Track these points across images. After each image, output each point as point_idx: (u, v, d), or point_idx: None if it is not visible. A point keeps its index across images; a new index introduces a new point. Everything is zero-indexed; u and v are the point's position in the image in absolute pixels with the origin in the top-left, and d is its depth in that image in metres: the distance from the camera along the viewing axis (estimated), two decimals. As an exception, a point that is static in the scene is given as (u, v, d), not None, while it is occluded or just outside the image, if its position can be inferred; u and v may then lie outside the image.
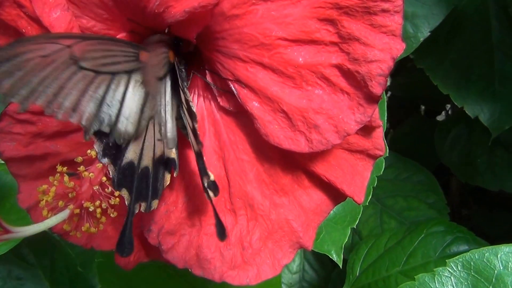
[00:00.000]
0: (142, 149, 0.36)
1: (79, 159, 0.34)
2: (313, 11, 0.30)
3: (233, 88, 0.35)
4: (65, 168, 0.33)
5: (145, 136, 0.36)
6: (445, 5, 0.72)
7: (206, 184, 0.34)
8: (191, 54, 0.40)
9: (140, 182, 0.35)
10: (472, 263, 0.49)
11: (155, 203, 0.36)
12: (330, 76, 0.31)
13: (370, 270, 0.82)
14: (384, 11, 0.29)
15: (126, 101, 0.34)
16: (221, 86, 0.37)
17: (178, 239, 0.40)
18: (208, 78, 0.38)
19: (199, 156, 0.34)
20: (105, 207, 0.34)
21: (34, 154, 0.41)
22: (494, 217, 1.26)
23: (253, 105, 0.34)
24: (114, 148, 0.35)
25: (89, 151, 0.34)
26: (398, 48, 0.29)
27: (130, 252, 0.35)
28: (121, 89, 0.34)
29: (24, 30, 0.36)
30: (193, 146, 0.34)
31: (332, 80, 0.32)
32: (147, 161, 0.36)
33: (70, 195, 0.32)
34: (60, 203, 0.32)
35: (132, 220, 0.35)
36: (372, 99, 0.31)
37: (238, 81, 0.34)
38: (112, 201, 0.34)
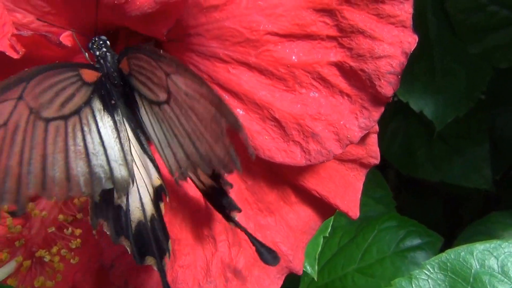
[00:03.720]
0: (140, 198, 0.29)
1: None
2: (308, 0, 0.26)
3: (210, 94, 0.29)
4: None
5: (136, 181, 0.29)
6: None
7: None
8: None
9: (153, 236, 0.29)
10: (448, 264, 0.47)
11: (170, 244, 0.30)
12: (328, 76, 0.27)
13: (325, 270, 0.80)
14: (392, -2, 0.25)
15: (105, 140, 0.27)
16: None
17: (148, 274, 0.33)
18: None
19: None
20: (64, 254, 0.26)
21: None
22: (427, 206, 1.31)
23: (238, 113, 0.29)
24: (119, 220, 0.28)
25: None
26: (410, 42, 0.25)
27: None
28: (93, 128, 0.27)
29: None
30: None
31: (330, 81, 0.27)
32: (149, 209, 0.29)
33: (17, 243, 0.25)
34: (4, 255, 0.25)
35: (166, 282, 0.29)
36: (379, 101, 0.27)
37: (218, 85, 0.29)
38: (73, 244, 0.26)
